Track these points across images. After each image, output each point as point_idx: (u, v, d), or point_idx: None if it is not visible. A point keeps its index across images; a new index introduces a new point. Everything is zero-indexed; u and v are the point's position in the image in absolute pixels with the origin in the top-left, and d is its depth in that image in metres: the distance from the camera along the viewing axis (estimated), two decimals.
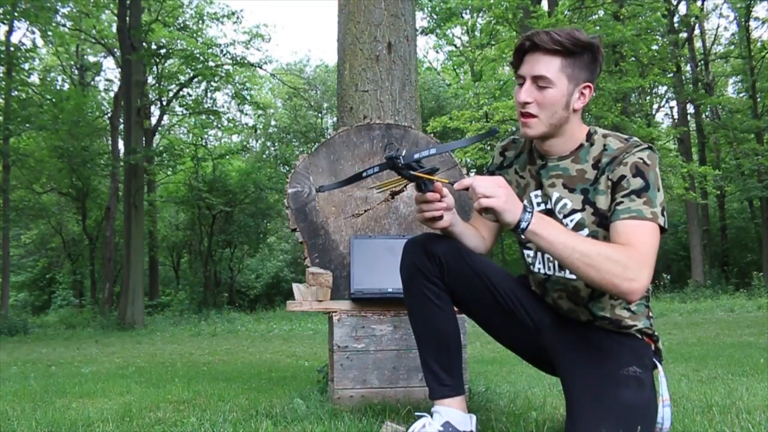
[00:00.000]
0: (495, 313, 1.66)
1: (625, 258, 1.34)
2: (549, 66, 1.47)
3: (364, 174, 1.44)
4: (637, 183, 1.43)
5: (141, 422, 2.14)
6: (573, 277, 1.55)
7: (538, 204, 1.60)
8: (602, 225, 1.50)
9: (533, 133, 1.53)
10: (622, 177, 1.45)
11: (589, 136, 1.56)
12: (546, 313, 1.63)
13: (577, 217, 1.53)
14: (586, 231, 1.52)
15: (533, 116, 1.50)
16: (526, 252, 1.66)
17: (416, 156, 1.40)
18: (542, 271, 1.61)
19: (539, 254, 1.62)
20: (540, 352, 1.66)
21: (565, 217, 1.54)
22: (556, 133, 1.54)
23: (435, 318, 1.61)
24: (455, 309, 1.66)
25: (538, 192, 1.60)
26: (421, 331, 1.64)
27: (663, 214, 1.43)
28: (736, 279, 17.75)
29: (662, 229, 1.42)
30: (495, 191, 1.36)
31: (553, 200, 1.56)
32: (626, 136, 1.53)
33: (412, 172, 1.45)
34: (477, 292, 1.63)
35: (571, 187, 1.54)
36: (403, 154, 1.42)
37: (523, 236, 1.39)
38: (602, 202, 1.49)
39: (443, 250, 1.60)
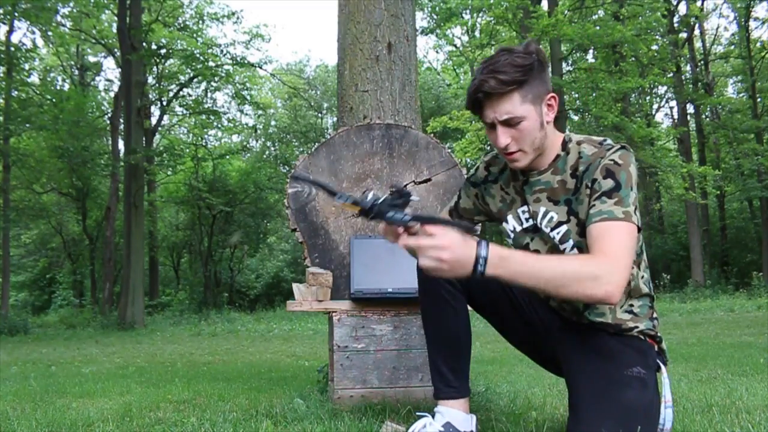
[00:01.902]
0: (508, 315, 1.67)
1: (594, 267, 1.31)
2: (511, 104, 1.44)
3: (337, 196, 1.40)
4: (607, 184, 1.42)
5: (141, 422, 2.15)
6: None
7: (526, 219, 1.61)
8: (584, 234, 1.49)
9: (523, 164, 1.52)
10: (594, 180, 1.45)
11: (564, 145, 1.55)
12: (554, 314, 1.64)
13: (563, 229, 1.53)
14: (571, 242, 1.52)
15: (516, 152, 1.49)
16: None
17: (388, 215, 1.37)
18: None
19: None
20: (548, 353, 1.67)
21: (552, 230, 1.55)
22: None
23: (448, 319, 1.61)
24: (468, 310, 1.67)
25: (525, 208, 1.60)
26: (433, 331, 1.64)
27: (636, 213, 1.41)
28: (736, 279, 17.75)
29: (637, 228, 1.41)
30: (439, 257, 1.24)
31: (540, 215, 1.56)
32: (600, 139, 1.52)
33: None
34: (492, 294, 1.64)
35: (555, 199, 1.54)
36: (377, 201, 1.36)
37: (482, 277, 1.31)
38: (583, 211, 1.49)
39: None
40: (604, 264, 1.32)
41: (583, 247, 1.50)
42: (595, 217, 1.40)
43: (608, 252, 1.34)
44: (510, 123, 1.46)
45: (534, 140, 1.49)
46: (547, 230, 1.55)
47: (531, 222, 1.59)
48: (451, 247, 1.24)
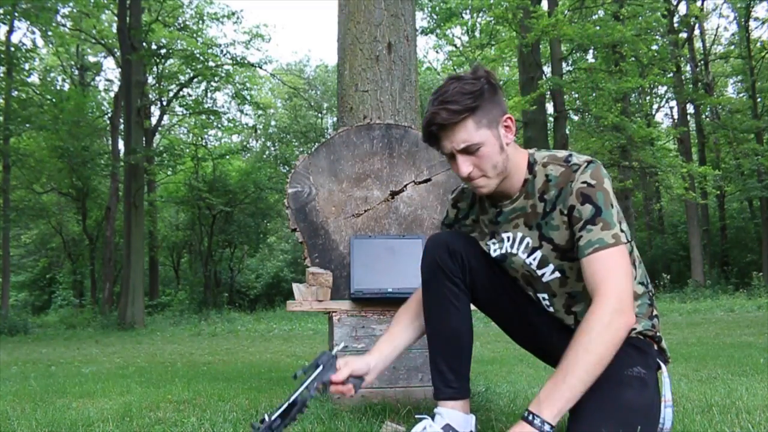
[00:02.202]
0: (512, 314, 1.67)
1: (603, 315, 1.32)
2: (466, 132, 1.44)
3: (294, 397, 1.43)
4: (587, 211, 1.41)
5: (141, 422, 2.14)
6: (552, 309, 1.60)
7: (495, 251, 1.61)
8: (566, 258, 1.50)
9: (488, 190, 1.51)
10: (572, 207, 1.43)
11: (531, 167, 1.53)
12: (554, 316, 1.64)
13: (539, 254, 1.53)
14: (551, 266, 1.53)
15: (480, 177, 1.48)
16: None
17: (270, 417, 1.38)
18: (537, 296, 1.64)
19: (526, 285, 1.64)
20: (551, 352, 1.67)
21: (528, 255, 1.55)
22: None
23: (451, 318, 1.61)
24: (471, 310, 1.67)
25: (494, 240, 1.61)
26: (435, 330, 1.63)
27: (623, 230, 1.41)
28: (736, 279, 17.75)
29: (627, 242, 1.42)
30: None
31: (517, 241, 1.56)
32: (564, 156, 1.50)
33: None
34: (496, 293, 1.65)
35: (529, 224, 1.54)
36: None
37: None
38: (560, 237, 1.48)
39: (466, 249, 1.61)
40: (609, 304, 1.33)
41: (565, 270, 1.51)
42: (586, 249, 1.39)
43: (607, 289, 1.35)
44: (469, 151, 1.45)
45: (496, 164, 1.47)
46: (524, 256, 1.56)
47: (500, 251, 1.60)
48: None
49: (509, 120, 1.49)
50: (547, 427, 1.29)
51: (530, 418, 1.30)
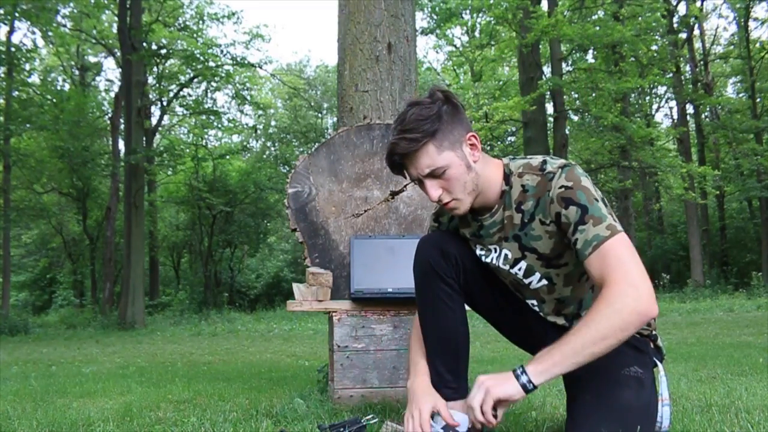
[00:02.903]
0: (507, 314, 1.67)
1: (614, 301, 1.29)
2: (429, 157, 1.43)
3: None
4: (573, 213, 1.39)
5: (141, 422, 2.15)
6: (542, 314, 1.61)
7: (483, 258, 1.61)
8: (552, 266, 1.50)
9: (464, 210, 1.50)
10: (558, 215, 1.42)
11: (507, 179, 1.52)
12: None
13: (524, 264, 1.53)
14: (537, 275, 1.53)
15: (450, 201, 1.48)
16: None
17: None
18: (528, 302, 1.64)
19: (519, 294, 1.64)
20: None
21: (512, 267, 1.55)
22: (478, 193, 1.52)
23: (446, 319, 1.60)
24: (466, 310, 1.67)
25: (479, 247, 1.62)
26: (430, 332, 1.63)
27: (615, 219, 1.39)
28: (736, 279, 17.76)
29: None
30: (479, 400, 1.33)
31: (502, 254, 1.56)
32: (539, 163, 1.48)
33: None
34: (490, 294, 1.64)
35: (506, 235, 1.53)
36: None
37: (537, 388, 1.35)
38: (544, 246, 1.48)
39: (459, 250, 1.61)
40: (620, 290, 1.29)
41: (552, 277, 1.52)
42: (586, 249, 1.36)
43: (617, 278, 1.31)
44: (434, 174, 1.45)
45: (465, 184, 1.47)
46: (506, 267, 1.56)
47: (486, 260, 1.61)
48: (482, 385, 1.34)
49: (473, 138, 1.48)
50: (525, 379, 1.30)
51: (517, 371, 1.33)
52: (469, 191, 1.48)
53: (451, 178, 1.45)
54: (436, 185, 1.46)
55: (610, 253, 1.34)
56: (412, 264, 1.65)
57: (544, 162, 1.48)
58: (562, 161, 1.46)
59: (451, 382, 1.60)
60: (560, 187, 1.41)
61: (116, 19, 17.33)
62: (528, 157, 1.55)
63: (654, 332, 1.59)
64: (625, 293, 1.29)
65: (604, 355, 1.49)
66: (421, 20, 19.58)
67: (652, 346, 1.58)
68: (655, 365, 1.57)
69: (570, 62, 19.41)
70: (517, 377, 1.31)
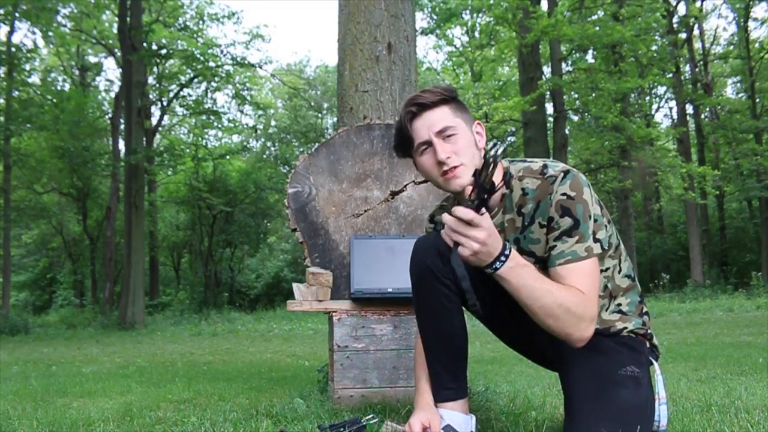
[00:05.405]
0: (502, 315, 1.66)
1: (582, 308, 1.37)
2: (444, 116, 1.49)
3: None
4: (566, 223, 1.42)
5: (142, 422, 2.15)
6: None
7: None
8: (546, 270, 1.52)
9: (464, 181, 1.48)
10: (551, 219, 1.44)
11: (507, 182, 1.53)
12: None
13: None
14: None
15: (458, 166, 1.48)
16: None
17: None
18: None
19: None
20: (544, 353, 1.67)
21: None
22: None
23: (444, 320, 1.59)
24: (463, 310, 1.66)
25: None
26: (428, 333, 1.62)
27: (596, 241, 1.43)
28: (735, 279, 17.75)
29: (601, 251, 1.45)
30: (470, 235, 1.30)
31: None
32: (539, 167, 1.49)
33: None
34: (486, 295, 1.63)
35: (506, 238, 1.54)
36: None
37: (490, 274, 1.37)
38: (541, 250, 1.49)
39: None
40: (587, 306, 1.38)
41: None
42: (558, 259, 1.42)
43: (586, 293, 1.39)
44: (446, 134, 1.48)
45: (473, 156, 1.49)
46: None
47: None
48: (489, 236, 1.31)
49: (479, 126, 1.55)
50: (499, 264, 1.33)
51: (506, 250, 1.34)
52: (475, 163, 1.49)
53: (460, 142, 1.49)
54: (446, 147, 1.49)
55: (578, 274, 1.41)
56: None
57: (545, 166, 1.49)
58: (565, 166, 1.48)
59: (450, 382, 1.60)
60: (562, 194, 1.43)
61: (116, 19, 17.34)
62: (528, 160, 1.56)
63: (649, 331, 1.59)
64: (589, 315, 1.39)
65: (601, 355, 1.50)
66: (421, 20, 19.59)
67: (647, 345, 1.58)
68: (651, 364, 1.57)
69: (570, 62, 19.42)
70: (494, 261, 1.33)
